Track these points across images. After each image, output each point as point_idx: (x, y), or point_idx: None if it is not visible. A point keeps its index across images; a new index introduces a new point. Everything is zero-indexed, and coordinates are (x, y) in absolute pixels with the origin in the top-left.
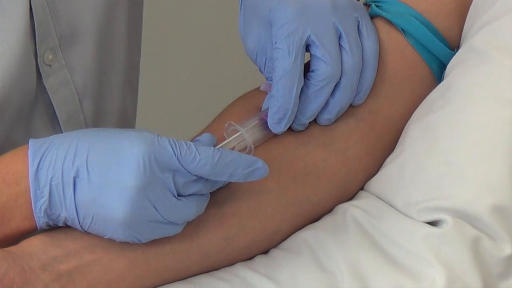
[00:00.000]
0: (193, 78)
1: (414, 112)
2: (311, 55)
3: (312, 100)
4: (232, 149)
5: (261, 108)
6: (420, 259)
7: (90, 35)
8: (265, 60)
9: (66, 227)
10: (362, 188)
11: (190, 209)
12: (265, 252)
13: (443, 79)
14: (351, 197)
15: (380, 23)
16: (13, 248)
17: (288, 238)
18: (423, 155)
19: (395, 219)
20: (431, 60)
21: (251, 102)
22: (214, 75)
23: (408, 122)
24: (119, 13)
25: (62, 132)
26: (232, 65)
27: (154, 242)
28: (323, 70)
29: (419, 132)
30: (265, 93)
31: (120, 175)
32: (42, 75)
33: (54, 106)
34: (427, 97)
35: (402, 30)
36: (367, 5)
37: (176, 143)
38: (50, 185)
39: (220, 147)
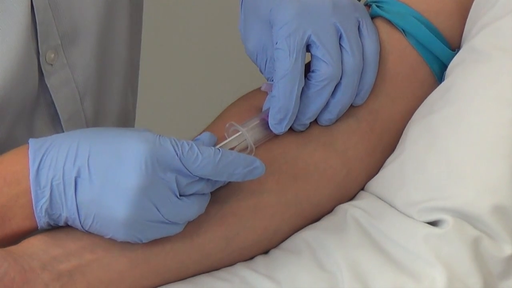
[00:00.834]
0: (193, 78)
1: (415, 113)
2: (311, 55)
3: (313, 100)
4: (233, 149)
5: (262, 108)
6: (420, 259)
7: (91, 34)
8: (266, 61)
9: (67, 226)
10: (362, 188)
11: (191, 208)
12: (266, 252)
13: (443, 80)
14: (351, 197)
15: (380, 24)
16: (13, 248)
17: (289, 238)
18: (423, 155)
19: (395, 219)
20: (431, 60)
21: (252, 102)
22: (215, 75)
23: (409, 122)
24: (119, 12)
25: (63, 131)
26: (232, 65)
27: (155, 242)
28: (323, 70)
29: (419, 132)
30: (266, 93)
31: (122, 175)
32: (44, 74)
33: (56, 105)
34: (428, 98)
35: (403, 30)
36: (367, 5)
37: (178, 143)
38: (51, 185)
39: (220, 146)
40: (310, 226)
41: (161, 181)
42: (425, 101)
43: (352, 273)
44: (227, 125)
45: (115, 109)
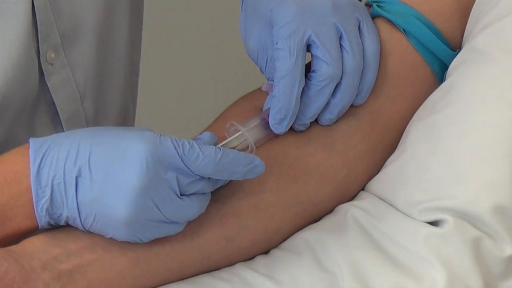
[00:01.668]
0: (194, 78)
1: (416, 113)
2: (312, 55)
3: (313, 100)
4: (233, 148)
5: (263, 108)
6: (421, 259)
7: (91, 33)
8: (266, 60)
9: (67, 226)
10: (363, 188)
11: (192, 208)
12: (266, 252)
13: (444, 80)
14: (352, 197)
15: (381, 24)
16: (14, 247)
17: (289, 238)
18: (424, 156)
19: (396, 219)
20: (432, 60)
21: (252, 102)
22: (215, 75)
23: (410, 122)
24: (120, 11)
25: (63, 131)
26: (233, 65)
27: (155, 242)
28: (324, 70)
29: (420, 132)
30: (267, 93)
31: (123, 175)
32: (45, 73)
33: (56, 105)
34: (429, 98)
35: (404, 30)
36: (368, 5)
37: (179, 142)
38: (52, 185)
39: (221, 146)
40: (310, 226)
41: (162, 181)
42: (426, 101)
43: (353, 273)
44: (227, 125)
45: (115, 109)
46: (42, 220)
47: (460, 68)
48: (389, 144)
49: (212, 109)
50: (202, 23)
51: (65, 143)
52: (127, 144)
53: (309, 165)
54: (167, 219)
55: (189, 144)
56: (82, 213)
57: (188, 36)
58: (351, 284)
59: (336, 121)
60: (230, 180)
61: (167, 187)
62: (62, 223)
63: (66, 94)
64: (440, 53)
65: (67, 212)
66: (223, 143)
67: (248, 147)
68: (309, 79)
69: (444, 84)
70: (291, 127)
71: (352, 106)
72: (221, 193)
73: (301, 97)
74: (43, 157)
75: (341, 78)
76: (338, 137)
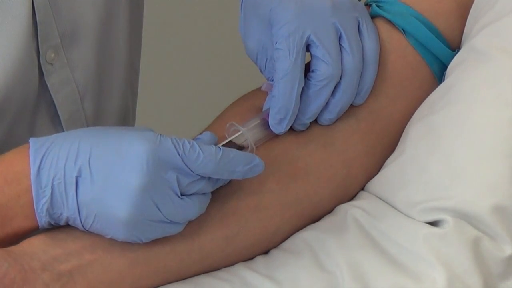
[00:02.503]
0: (193, 78)
1: (415, 113)
2: (311, 55)
3: (313, 100)
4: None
5: (262, 108)
6: (420, 259)
7: (91, 33)
8: (266, 61)
9: (67, 226)
10: (362, 189)
11: (192, 208)
12: (266, 252)
13: (444, 80)
14: (351, 198)
15: (380, 23)
16: (13, 248)
17: (289, 238)
18: (424, 156)
19: (395, 219)
20: (431, 60)
21: (252, 102)
22: (215, 75)
23: (409, 122)
24: (120, 11)
25: (63, 131)
26: (232, 65)
27: (155, 242)
28: (323, 70)
29: (420, 132)
30: (266, 93)
31: (124, 175)
32: (44, 73)
33: (56, 105)
34: (428, 98)
35: (403, 30)
36: (368, 5)
37: (179, 142)
38: (52, 185)
39: (221, 146)
40: (310, 226)
41: (162, 181)
42: (425, 101)
43: (353, 274)
44: (227, 125)
45: (115, 109)
46: (42, 220)
47: (458, 68)
48: (388, 144)
49: (212, 109)
50: (202, 23)
51: (65, 143)
52: (127, 144)
53: (309, 165)
54: (167, 219)
55: (190, 144)
56: (82, 213)
57: (188, 36)
58: (350, 284)
59: (336, 121)
60: (230, 180)
61: (167, 187)
62: (62, 223)
63: (66, 94)
64: (439, 53)
65: (67, 212)
66: (223, 143)
67: (248, 147)
68: (308, 79)
69: (443, 84)
70: (291, 127)
71: (351, 106)
72: (221, 193)
73: (300, 97)
74: (43, 157)
75: (340, 78)
76: (337, 137)
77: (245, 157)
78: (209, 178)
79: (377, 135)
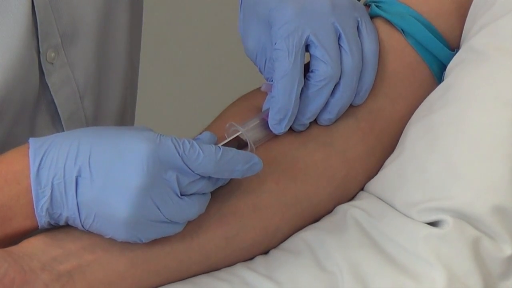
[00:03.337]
0: (193, 78)
1: (415, 113)
2: (310, 55)
3: (312, 100)
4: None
5: (262, 108)
6: (420, 260)
7: (91, 33)
8: (265, 61)
9: (67, 226)
10: (362, 189)
11: (192, 208)
12: (265, 252)
13: (443, 80)
14: (351, 198)
15: (380, 24)
16: (13, 248)
17: (288, 238)
18: (423, 156)
19: (395, 219)
20: (431, 60)
21: (252, 102)
22: (214, 76)
23: (409, 122)
24: (119, 11)
25: (63, 130)
26: (232, 65)
27: (154, 242)
28: (322, 70)
29: (419, 132)
30: (266, 93)
31: (124, 175)
32: (45, 73)
33: (56, 104)
34: (427, 98)
35: (402, 30)
36: (367, 5)
37: (179, 141)
38: (52, 184)
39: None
40: (310, 226)
41: (162, 180)
42: (424, 101)
43: (352, 274)
44: (227, 125)
45: (114, 108)
46: (42, 220)
47: (458, 68)
48: (388, 144)
49: (212, 109)
50: (201, 23)
51: (65, 143)
52: (127, 144)
53: (308, 165)
54: (167, 219)
55: (189, 143)
56: (82, 213)
57: (188, 36)
58: (350, 284)
59: (335, 121)
60: (230, 180)
61: (167, 187)
62: (62, 223)
63: (66, 93)
64: (438, 53)
65: (67, 212)
66: (223, 143)
67: (248, 147)
68: (308, 79)
69: (442, 84)
70: (290, 127)
71: (351, 106)
72: (221, 193)
73: (300, 97)
74: (43, 157)
75: (340, 78)
76: (337, 137)
77: (244, 156)
78: (209, 178)
79: (376, 135)
